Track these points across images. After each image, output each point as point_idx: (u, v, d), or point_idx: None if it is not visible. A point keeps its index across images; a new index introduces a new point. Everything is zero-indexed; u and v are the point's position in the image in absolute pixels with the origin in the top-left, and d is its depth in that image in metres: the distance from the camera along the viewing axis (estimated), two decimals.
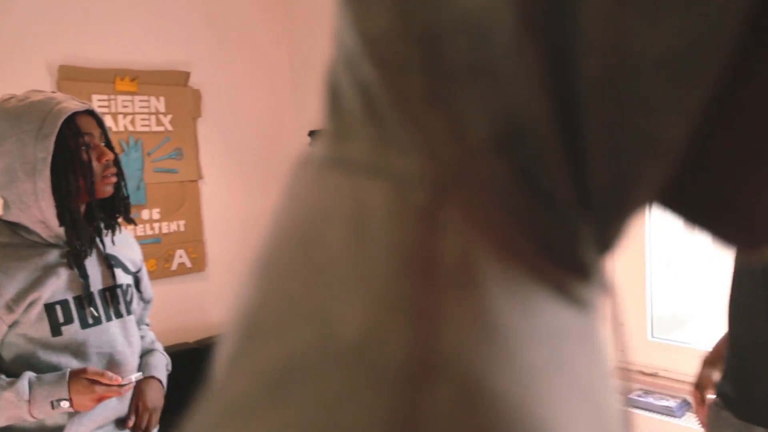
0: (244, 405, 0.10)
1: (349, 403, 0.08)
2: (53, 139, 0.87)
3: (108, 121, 1.46)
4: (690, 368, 1.28)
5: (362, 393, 0.08)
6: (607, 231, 0.13)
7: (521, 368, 0.10)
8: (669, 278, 1.61)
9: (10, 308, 0.88)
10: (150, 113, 1.94)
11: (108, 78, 1.83)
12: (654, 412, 1.35)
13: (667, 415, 1.32)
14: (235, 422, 0.09)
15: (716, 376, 1.08)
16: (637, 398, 1.40)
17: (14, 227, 0.95)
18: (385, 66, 0.12)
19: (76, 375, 0.89)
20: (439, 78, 0.11)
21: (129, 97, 1.89)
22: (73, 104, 0.91)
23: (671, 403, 1.34)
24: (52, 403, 0.88)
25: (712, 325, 1.46)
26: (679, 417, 1.32)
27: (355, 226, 0.11)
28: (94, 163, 0.93)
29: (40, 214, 0.91)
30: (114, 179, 0.97)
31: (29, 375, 0.89)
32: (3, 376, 0.89)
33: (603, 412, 0.13)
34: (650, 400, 1.38)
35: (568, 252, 0.12)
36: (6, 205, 0.95)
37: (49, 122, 0.87)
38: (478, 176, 0.11)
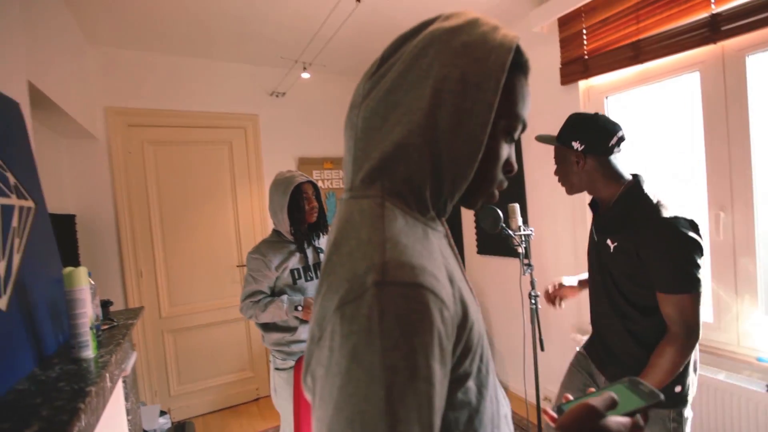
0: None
1: (359, 283, 0.39)
2: (289, 195, 1.60)
3: (320, 184, 2.90)
4: None
5: (363, 273, 0.40)
6: (446, 205, 0.51)
7: (413, 250, 0.42)
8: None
9: (276, 270, 1.62)
10: (340, 179, 3.35)
11: (320, 162, 3.36)
12: None
13: None
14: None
15: (569, 292, 1.53)
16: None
17: (278, 233, 1.70)
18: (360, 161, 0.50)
19: (307, 301, 1.56)
20: (386, 164, 0.48)
21: (329, 172, 3.37)
22: (301, 177, 1.65)
23: None
24: (295, 307, 1.54)
25: None
26: None
27: (360, 214, 0.47)
28: (307, 207, 1.66)
29: (285, 228, 1.64)
30: (316, 213, 1.69)
31: (285, 295, 1.60)
32: (275, 297, 1.61)
33: (449, 268, 0.47)
34: None
35: (431, 210, 0.50)
36: (274, 222, 1.69)
37: (288, 186, 1.61)
38: (395, 191, 0.49)
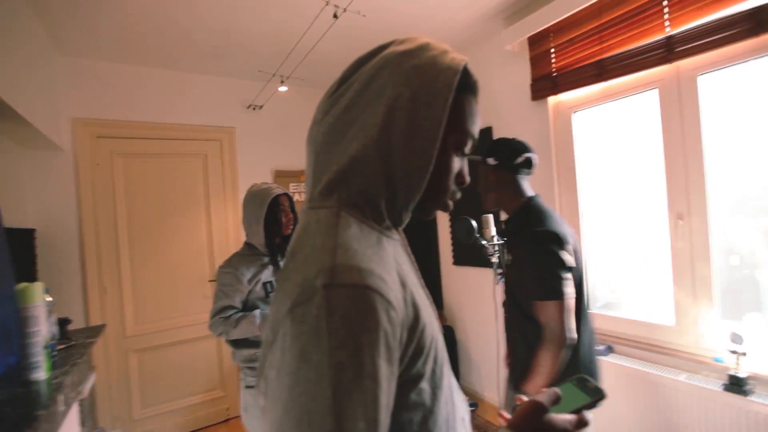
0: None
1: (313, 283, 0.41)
2: (266, 207, 1.59)
3: (297, 197, 2.88)
4: (612, 327, 2.07)
5: (317, 271, 0.42)
6: (401, 215, 0.55)
7: (362, 255, 0.44)
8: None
9: (249, 283, 1.59)
10: None
11: (296, 175, 3.34)
12: None
13: (598, 355, 1.89)
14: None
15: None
16: None
17: (250, 246, 1.66)
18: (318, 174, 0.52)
19: None
20: (342, 177, 0.51)
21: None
22: (278, 190, 1.64)
23: (600, 347, 1.98)
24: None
25: (630, 300, 2.18)
26: (605, 356, 1.96)
27: (316, 223, 0.50)
28: (284, 219, 1.65)
29: (260, 240, 1.62)
30: (292, 225, 1.68)
31: (258, 310, 1.54)
32: (247, 313, 1.54)
33: (402, 273, 0.49)
34: None
35: (387, 219, 0.53)
36: (247, 235, 1.67)
37: (265, 198, 1.60)
38: (351, 201, 0.51)
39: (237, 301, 1.57)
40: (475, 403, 2.80)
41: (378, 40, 0.51)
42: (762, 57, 1.53)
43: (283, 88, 2.79)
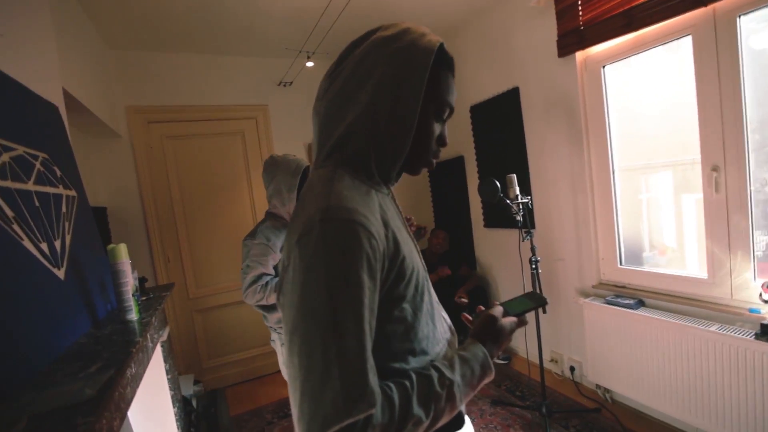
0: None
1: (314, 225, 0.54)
2: (299, 176, 1.61)
3: None
4: (643, 282, 2.12)
5: (318, 218, 0.54)
6: (389, 172, 0.66)
7: (351, 199, 0.57)
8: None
9: (280, 252, 1.59)
10: None
11: None
12: (621, 306, 2.05)
13: (629, 308, 2.01)
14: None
15: None
16: (613, 299, 2.10)
17: (275, 216, 1.67)
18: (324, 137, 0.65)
19: None
20: (340, 143, 0.64)
21: None
22: (303, 162, 1.65)
23: (631, 301, 2.03)
24: None
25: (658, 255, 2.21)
26: (635, 309, 2.00)
27: (318, 178, 0.63)
28: None
29: (289, 209, 1.64)
30: None
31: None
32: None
33: (385, 216, 0.62)
34: (619, 300, 2.08)
35: (376, 176, 0.65)
36: (272, 204, 1.67)
37: (298, 168, 1.63)
38: (345, 161, 0.64)
39: (271, 268, 1.62)
40: (508, 357, 2.94)
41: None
42: None
43: (310, 64, 2.89)
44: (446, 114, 0.69)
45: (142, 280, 1.49)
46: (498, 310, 0.71)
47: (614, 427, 2.03)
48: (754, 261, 1.68)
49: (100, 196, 2.63)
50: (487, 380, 0.64)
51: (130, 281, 1.09)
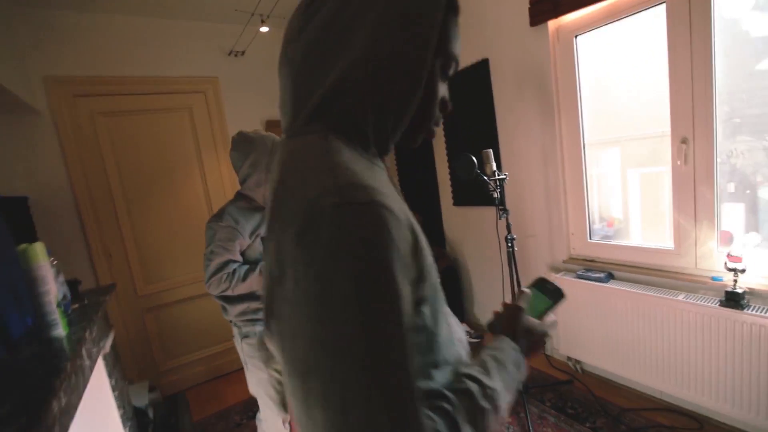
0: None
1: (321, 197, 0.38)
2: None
3: None
4: (612, 255, 2.13)
5: (324, 192, 0.38)
6: (388, 143, 0.50)
7: (362, 175, 0.41)
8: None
9: (249, 237, 1.48)
10: None
11: None
12: (591, 280, 2.07)
13: (599, 281, 2.04)
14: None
15: None
16: (583, 273, 2.12)
17: (246, 198, 1.52)
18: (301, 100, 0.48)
19: None
20: (327, 101, 0.47)
21: None
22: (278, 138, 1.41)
23: (601, 275, 2.06)
24: None
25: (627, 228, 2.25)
26: (605, 282, 2.03)
27: (304, 148, 0.46)
28: None
29: (264, 192, 1.50)
30: None
31: (263, 262, 1.65)
32: (252, 266, 1.47)
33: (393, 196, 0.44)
34: (590, 273, 2.10)
35: (373, 146, 0.50)
36: (246, 185, 1.51)
37: (274, 146, 1.47)
38: (337, 126, 0.48)
39: (238, 255, 1.47)
40: (480, 336, 2.95)
41: None
42: None
43: (264, 29, 2.60)
44: (452, 70, 0.55)
45: (74, 284, 1.26)
46: (524, 299, 0.64)
47: (586, 396, 2.08)
48: (717, 230, 1.72)
49: (18, 184, 2.25)
50: (521, 379, 0.56)
51: (52, 289, 0.88)
